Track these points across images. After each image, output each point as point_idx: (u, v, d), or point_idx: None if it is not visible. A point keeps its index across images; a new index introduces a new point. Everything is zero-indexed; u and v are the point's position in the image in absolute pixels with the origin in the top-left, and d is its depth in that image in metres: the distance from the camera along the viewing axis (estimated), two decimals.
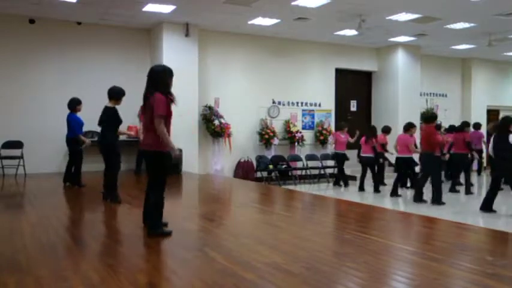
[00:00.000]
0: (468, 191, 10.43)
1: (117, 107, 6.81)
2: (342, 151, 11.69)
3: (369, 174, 10.95)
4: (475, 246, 4.78)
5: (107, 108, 6.80)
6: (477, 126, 12.84)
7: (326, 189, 12.00)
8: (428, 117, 9.52)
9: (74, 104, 8.59)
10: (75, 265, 3.74)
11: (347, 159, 11.76)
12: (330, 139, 13.57)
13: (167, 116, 4.65)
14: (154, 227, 4.70)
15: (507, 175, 7.93)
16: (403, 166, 10.15)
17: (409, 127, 10.08)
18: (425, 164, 9.19)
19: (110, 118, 6.75)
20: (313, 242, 4.64)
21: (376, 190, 10.63)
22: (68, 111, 8.71)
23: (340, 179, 11.89)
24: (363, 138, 10.82)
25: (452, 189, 10.62)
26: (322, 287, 3.26)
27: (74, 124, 8.48)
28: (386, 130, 11.51)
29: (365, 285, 3.38)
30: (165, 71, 4.78)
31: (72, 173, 8.75)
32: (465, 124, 11.13)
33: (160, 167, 4.68)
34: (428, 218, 6.40)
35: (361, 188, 10.86)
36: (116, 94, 6.75)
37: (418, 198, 9.02)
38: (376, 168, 10.96)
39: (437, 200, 8.77)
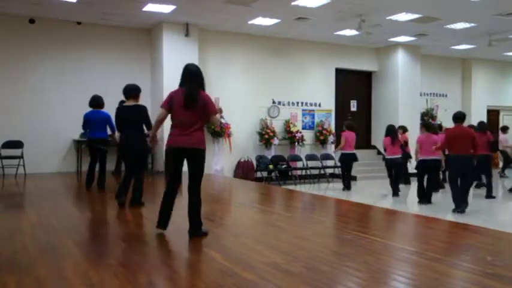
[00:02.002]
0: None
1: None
2: (352, 151, 10.97)
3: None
4: (475, 246, 4.77)
5: (135, 106, 6.31)
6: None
7: (326, 190, 12.00)
8: (461, 116, 8.28)
9: (102, 101, 8.14)
10: (75, 265, 3.73)
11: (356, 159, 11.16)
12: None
13: None
14: (200, 226, 4.64)
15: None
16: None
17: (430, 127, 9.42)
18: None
19: (143, 116, 6.31)
20: (313, 242, 4.64)
21: (397, 194, 10.02)
22: (79, 110, 8.55)
23: (348, 181, 11.10)
24: (389, 139, 9.99)
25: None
26: (322, 287, 3.26)
27: (111, 121, 7.78)
28: (405, 129, 11.34)
29: (365, 285, 3.38)
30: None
31: (93, 174, 8.15)
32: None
33: (204, 165, 4.68)
34: (428, 218, 6.40)
35: (397, 193, 10.04)
36: (136, 91, 6.39)
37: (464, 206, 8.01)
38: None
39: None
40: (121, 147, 6.54)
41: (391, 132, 10.07)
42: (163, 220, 4.68)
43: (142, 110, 6.32)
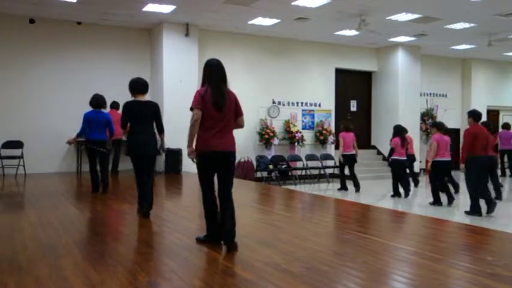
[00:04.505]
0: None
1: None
2: (352, 152, 10.75)
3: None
4: (475, 246, 4.77)
5: (148, 102, 5.85)
6: (507, 126, 13.33)
7: (326, 190, 12.00)
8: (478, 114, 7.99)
9: (104, 101, 7.86)
10: (75, 265, 3.73)
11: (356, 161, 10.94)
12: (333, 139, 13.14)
13: None
14: (234, 236, 4.21)
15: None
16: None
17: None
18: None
19: (156, 114, 5.85)
20: (313, 242, 4.64)
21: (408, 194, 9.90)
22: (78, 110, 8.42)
23: (343, 182, 11.02)
24: (398, 140, 9.69)
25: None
26: (322, 287, 3.26)
27: (111, 123, 7.72)
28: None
29: (365, 285, 3.38)
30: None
31: (98, 177, 7.78)
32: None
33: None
34: (428, 218, 6.40)
35: (398, 194, 9.88)
36: (147, 86, 5.90)
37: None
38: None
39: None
40: (131, 147, 5.77)
41: (400, 132, 9.85)
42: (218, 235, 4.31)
43: (157, 107, 5.88)
